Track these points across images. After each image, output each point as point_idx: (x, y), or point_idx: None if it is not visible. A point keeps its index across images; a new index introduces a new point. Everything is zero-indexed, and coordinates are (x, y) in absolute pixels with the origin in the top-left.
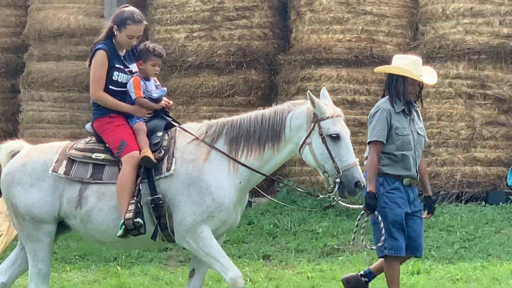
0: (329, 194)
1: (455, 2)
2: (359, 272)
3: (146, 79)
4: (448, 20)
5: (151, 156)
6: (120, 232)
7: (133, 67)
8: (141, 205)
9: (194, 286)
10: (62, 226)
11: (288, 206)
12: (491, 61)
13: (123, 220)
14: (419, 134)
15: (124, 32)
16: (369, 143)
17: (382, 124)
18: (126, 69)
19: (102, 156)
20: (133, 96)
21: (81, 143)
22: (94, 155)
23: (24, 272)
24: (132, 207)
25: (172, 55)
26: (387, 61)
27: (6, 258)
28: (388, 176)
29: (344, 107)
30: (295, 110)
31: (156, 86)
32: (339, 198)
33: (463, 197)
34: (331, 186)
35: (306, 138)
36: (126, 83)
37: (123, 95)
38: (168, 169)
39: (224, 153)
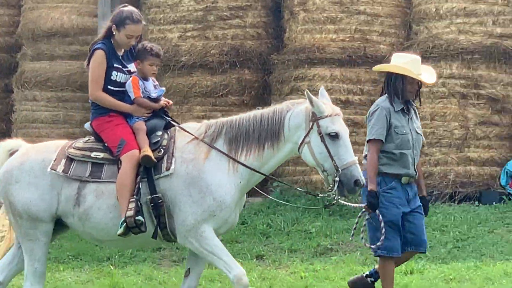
0: (328, 193)
1: (449, 2)
2: (363, 273)
3: (145, 79)
4: (441, 20)
5: (151, 155)
6: (120, 230)
7: (132, 67)
8: (140, 204)
9: (189, 285)
10: (59, 225)
11: (288, 205)
12: (485, 61)
13: (123, 218)
14: (417, 133)
15: (123, 32)
16: (368, 141)
17: (381, 123)
18: (124, 69)
19: (101, 155)
20: (132, 96)
21: (79, 142)
22: (93, 154)
23: (21, 271)
24: (132, 205)
25: (165, 54)
26: (380, 60)
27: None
28: (386, 175)
29: (338, 107)
30: (293, 109)
31: (154, 86)
32: (339, 197)
33: (456, 197)
34: (331, 185)
35: (305, 137)
36: (125, 83)
37: (122, 95)
38: (167, 169)
39: (223, 153)
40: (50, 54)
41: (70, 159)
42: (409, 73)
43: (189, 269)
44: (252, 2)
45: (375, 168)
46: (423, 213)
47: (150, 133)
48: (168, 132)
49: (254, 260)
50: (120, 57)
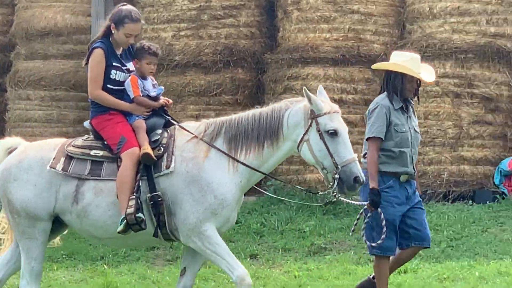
0: (328, 190)
1: (442, 1)
2: (369, 275)
3: (143, 77)
4: (435, 19)
5: (151, 152)
6: (121, 227)
7: (130, 65)
8: (140, 202)
9: (185, 284)
10: (57, 224)
11: (288, 201)
12: (478, 60)
13: (124, 215)
14: (416, 131)
15: (122, 31)
16: (367, 139)
17: (381, 121)
18: (123, 68)
19: (101, 153)
20: (131, 95)
21: (79, 140)
22: (92, 152)
23: (19, 270)
24: (132, 202)
25: None
26: (374, 60)
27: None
28: (384, 174)
29: None
30: (292, 108)
31: (153, 85)
32: (339, 194)
33: (450, 196)
34: (331, 182)
35: (304, 135)
36: (124, 82)
37: (121, 94)
38: (167, 167)
39: (223, 152)
40: (43, 53)
41: (69, 157)
42: (409, 71)
43: (185, 268)
44: (245, 1)
45: (376, 165)
46: (423, 208)
47: (149, 131)
48: (168, 130)
49: (248, 259)
50: (119, 56)
